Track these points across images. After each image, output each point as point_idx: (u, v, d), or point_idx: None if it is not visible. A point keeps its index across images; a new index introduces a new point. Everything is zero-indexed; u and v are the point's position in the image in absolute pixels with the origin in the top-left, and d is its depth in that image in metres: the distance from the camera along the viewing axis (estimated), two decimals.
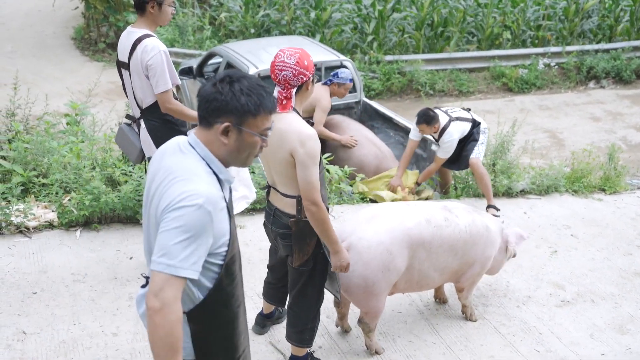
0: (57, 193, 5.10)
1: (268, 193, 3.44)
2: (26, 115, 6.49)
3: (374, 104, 8.20)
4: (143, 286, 2.42)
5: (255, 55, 7.75)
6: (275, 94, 3.12)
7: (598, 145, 9.11)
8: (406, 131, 7.11)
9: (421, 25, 12.41)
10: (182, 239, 2.03)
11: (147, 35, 3.93)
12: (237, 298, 2.37)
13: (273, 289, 3.84)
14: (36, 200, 5.14)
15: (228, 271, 2.26)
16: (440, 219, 3.83)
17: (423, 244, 3.73)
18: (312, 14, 12.29)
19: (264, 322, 4.07)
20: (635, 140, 9.91)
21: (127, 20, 13.19)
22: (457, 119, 6.19)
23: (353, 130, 6.81)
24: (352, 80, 6.71)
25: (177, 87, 4.14)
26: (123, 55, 4.04)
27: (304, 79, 3.11)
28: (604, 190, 7.02)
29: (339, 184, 5.98)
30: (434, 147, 6.54)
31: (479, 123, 6.26)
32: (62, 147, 5.55)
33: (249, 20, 12.61)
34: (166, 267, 2.02)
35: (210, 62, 8.41)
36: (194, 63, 8.66)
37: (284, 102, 3.11)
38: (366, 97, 11.13)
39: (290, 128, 3.06)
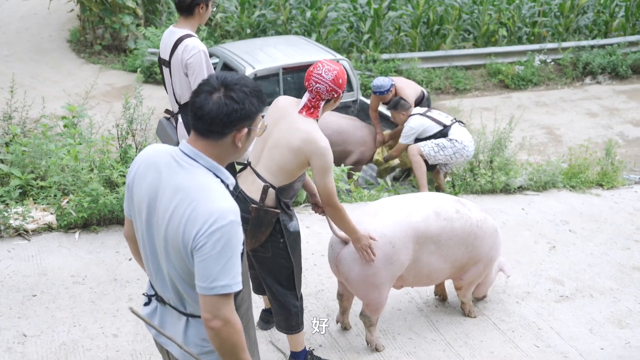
0: (55, 195, 5.10)
1: (238, 172, 3.51)
2: (23, 119, 6.48)
3: None
4: (146, 304, 2.43)
5: (252, 56, 7.75)
6: (305, 99, 3.29)
7: (595, 141, 9.13)
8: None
9: (417, 23, 12.42)
10: (227, 257, 2.08)
11: (188, 35, 4.11)
12: (246, 297, 2.45)
13: (258, 280, 3.85)
14: (34, 203, 5.13)
15: (243, 269, 2.32)
16: (452, 211, 3.85)
17: (431, 238, 3.75)
18: (308, 14, 12.28)
19: (268, 317, 4.08)
20: (632, 135, 9.93)
21: (123, 22, 13.20)
22: (426, 115, 6.53)
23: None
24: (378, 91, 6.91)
25: None
26: (164, 53, 4.24)
27: (335, 95, 3.28)
28: (601, 185, 7.04)
29: (337, 182, 5.98)
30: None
31: (447, 132, 6.47)
32: (60, 149, 5.54)
33: (245, 21, 12.60)
34: (221, 288, 2.08)
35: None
36: None
37: (312, 110, 3.27)
38: (363, 95, 11.18)
39: (312, 135, 3.20)
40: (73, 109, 6.60)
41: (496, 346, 4.19)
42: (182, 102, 4.32)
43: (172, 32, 4.18)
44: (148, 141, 5.86)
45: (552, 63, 12.26)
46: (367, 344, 4.00)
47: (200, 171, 2.14)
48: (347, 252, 3.63)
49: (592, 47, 12.51)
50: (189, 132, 4.25)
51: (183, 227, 2.09)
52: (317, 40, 11.83)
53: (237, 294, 2.28)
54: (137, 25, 13.67)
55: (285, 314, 3.56)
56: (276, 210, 3.29)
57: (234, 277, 2.10)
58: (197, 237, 2.06)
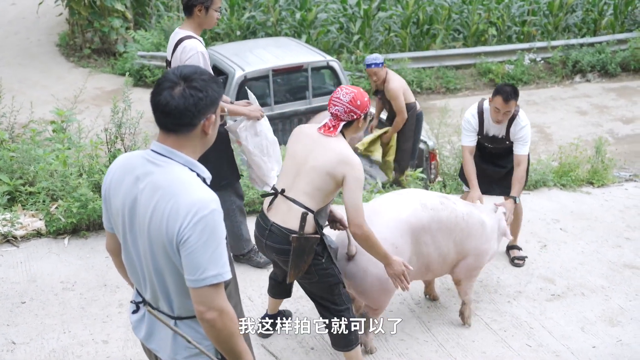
0: (44, 201, 5.07)
1: (266, 204, 3.43)
2: (11, 124, 6.45)
3: None
4: (134, 312, 2.41)
5: (242, 58, 7.74)
6: (326, 120, 3.33)
7: (585, 139, 9.15)
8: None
9: (407, 23, 12.44)
10: (214, 247, 2.08)
11: (188, 37, 4.09)
12: (233, 293, 2.43)
13: (277, 285, 3.85)
14: (23, 209, 5.10)
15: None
16: (436, 202, 3.84)
17: (424, 228, 3.73)
18: (298, 15, 12.28)
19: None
20: (621, 133, 9.97)
21: (112, 26, 13.15)
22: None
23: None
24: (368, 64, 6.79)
25: None
26: (169, 54, 4.25)
27: (354, 116, 3.27)
28: (592, 183, 7.05)
29: None
30: None
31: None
32: (48, 154, 5.51)
33: (235, 23, 12.59)
34: (212, 278, 2.07)
35: None
36: None
37: (330, 128, 3.28)
38: None
39: (345, 152, 3.20)
40: (62, 113, 6.57)
41: (488, 346, 4.19)
42: None
43: (176, 33, 4.21)
44: (137, 145, 5.84)
45: (542, 62, 12.30)
46: (361, 346, 3.98)
47: (176, 167, 2.15)
48: (355, 267, 3.59)
49: (582, 45, 12.57)
50: None
51: (165, 223, 2.08)
52: (307, 41, 11.82)
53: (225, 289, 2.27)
54: (127, 28, 13.63)
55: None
56: (317, 236, 3.25)
57: (222, 265, 2.10)
58: (181, 230, 2.06)
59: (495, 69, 11.90)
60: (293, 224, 3.24)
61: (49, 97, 10.07)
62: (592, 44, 12.62)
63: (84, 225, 5.02)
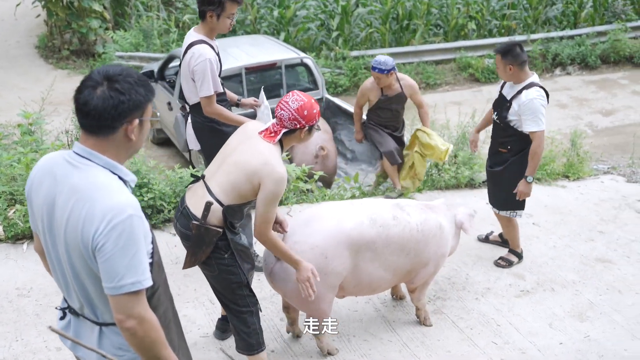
0: (3, 206, 4.97)
1: (188, 185, 3.42)
2: None
3: (337, 100, 8.12)
4: (61, 318, 2.33)
5: None
6: (269, 124, 3.26)
7: (564, 132, 9.10)
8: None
9: (386, 19, 12.35)
10: (132, 253, 2.01)
11: (200, 42, 4.15)
12: (163, 298, 2.35)
13: None
14: None
15: (156, 268, 2.23)
16: (388, 217, 3.70)
17: (367, 244, 3.59)
18: (276, 13, 12.18)
19: (224, 326, 3.98)
20: (601, 125, 9.93)
21: (90, 27, 13.02)
22: None
23: None
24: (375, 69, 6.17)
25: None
26: (181, 56, 4.32)
27: (297, 125, 3.20)
28: (567, 177, 6.99)
29: (298, 182, 5.89)
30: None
31: None
32: (11, 157, 5.41)
33: None
34: (130, 285, 2.01)
35: (171, 65, 8.28)
36: (155, 67, 8.53)
37: (271, 134, 3.22)
38: (333, 93, 11.10)
39: (271, 161, 3.12)
40: (29, 116, 6.47)
41: (453, 344, 4.12)
42: (190, 104, 4.41)
43: (189, 36, 4.27)
44: None
45: None
46: (319, 351, 3.91)
47: (95, 170, 2.07)
48: (281, 268, 3.49)
49: (561, 38, 12.52)
50: (196, 134, 4.41)
51: (81, 227, 2.01)
52: (286, 39, 11.73)
53: (152, 296, 2.20)
54: (106, 29, 13.50)
55: (243, 334, 3.45)
56: (218, 229, 3.19)
57: (142, 272, 2.03)
58: (96, 236, 1.99)
59: (475, 63, 11.82)
60: (198, 211, 3.20)
61: (27, 100, 9.96)
62: (572, 37, 12.56)
63: None
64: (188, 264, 3.30)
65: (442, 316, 4.40)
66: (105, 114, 2.04)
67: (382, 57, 6.09)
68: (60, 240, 2.10)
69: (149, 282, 2.05)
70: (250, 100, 4.60)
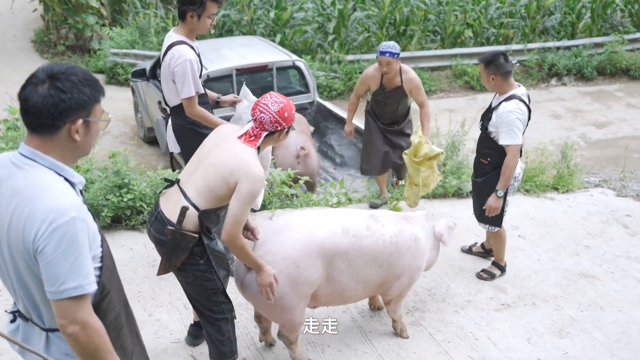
0: None
1: (162, 192, 3.37)
2: None
3: (328, 104, 8.07)
4: (12, 321, 2.28)
5: (205, 57, 7.56)
6: (248, 127, 3.20)
7: (557, 143, 9.04)
8: (360, 132, 6.91)
9: (383, 24, 12.31)
10: (75, 257, 1.96)
11: (180, 42, 4.11)
12: (115, 303, 2.29)
13: None
14: None
15: (107, 272, 2.18)
16: (362, 228, 3.63)
17: (340, 254, 3.52)
18: (272, 14, 12.13)
19: (197, 332, 3.93)
20: (594, 137, 9.88)
21: (87, 22, 12.97)
22: None
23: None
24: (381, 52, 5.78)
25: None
26: (161, 57, 4.28)
27: (278, 127, 3.18)
28: (557, 189, 6.94)
29: (282, 187, 5.84)
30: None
31: None
32: None
33: None
34: (72, 290, 1.96)
35: None
36: (147, 65, 8.47)
37: (252, 138, 3.17)
38: (327, 97, 11.04)
39: (248, 163, 3.07)
40: (15, 111, 6.42)
41: (429, 358, 4.06)
42: (171, 106, 4.35)
43: (169, 37, 4.22)
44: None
45: (518, 64, 12.18)
46: None
47: (39, 171, 2.02)
48: (252, 278, 3.41)
49: (558, 48, 12.47)
50: (176, 136, 4.37)
51: (22, 229, 1.96)
52: (282, 41, 11.68)
53: (101, 301, 2.15)
54: (102, 25, 13.46)
55: (216, 342, 3.40)
56: (194, 235, 3.14)
57: (85, 276, 1.98)
58: (37, 238, 1.94)
59: (471, 71, 11.77)
60: (173, 216, 3.14)
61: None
62: (568, 47, 12.52)
63: None
64: (162, 270, 3.25)
65: (419, 328, 4.34)
66: (44, 111, 1.99)
67: (389, 42, 5.87)
68: (3, 243, 2.05)
69: (92, 287, 2.00)
70: (230, 97, 4.56)
